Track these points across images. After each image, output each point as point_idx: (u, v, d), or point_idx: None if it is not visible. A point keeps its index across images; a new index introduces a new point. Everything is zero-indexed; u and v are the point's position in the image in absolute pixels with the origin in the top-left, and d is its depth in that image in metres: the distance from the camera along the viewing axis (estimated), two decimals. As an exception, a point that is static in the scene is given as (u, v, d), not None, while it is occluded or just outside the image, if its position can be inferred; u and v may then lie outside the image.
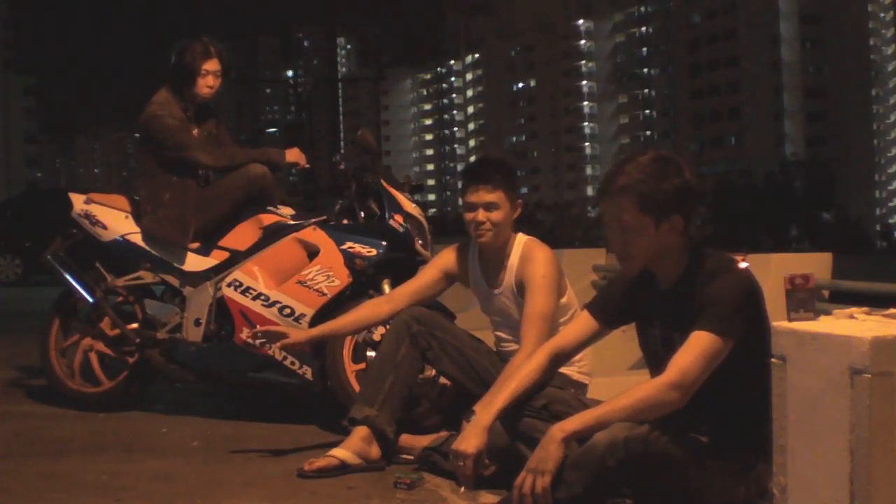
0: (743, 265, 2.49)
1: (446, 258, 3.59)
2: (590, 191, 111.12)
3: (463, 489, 2.81)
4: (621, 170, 2.45)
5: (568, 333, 2.76)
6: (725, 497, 2.44)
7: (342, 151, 4.65)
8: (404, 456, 3.40)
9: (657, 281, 2.54)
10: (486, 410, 2.74)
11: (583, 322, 2.73)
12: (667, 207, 2.41)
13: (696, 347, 2.36)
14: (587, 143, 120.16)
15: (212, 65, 4.37)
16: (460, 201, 3.47)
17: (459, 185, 3.50)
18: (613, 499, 2.50)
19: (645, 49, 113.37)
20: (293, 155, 4.46)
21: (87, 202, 4.49)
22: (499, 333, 3.53)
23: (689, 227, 2.47)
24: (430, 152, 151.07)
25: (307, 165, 4.53)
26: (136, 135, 4.61)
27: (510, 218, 3.38)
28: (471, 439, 2.68)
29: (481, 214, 3.33)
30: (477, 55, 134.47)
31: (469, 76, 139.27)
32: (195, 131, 4.41)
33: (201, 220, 4.30)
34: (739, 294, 2.39)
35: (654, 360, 2.59)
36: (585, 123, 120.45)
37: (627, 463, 2.33)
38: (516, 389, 2.72)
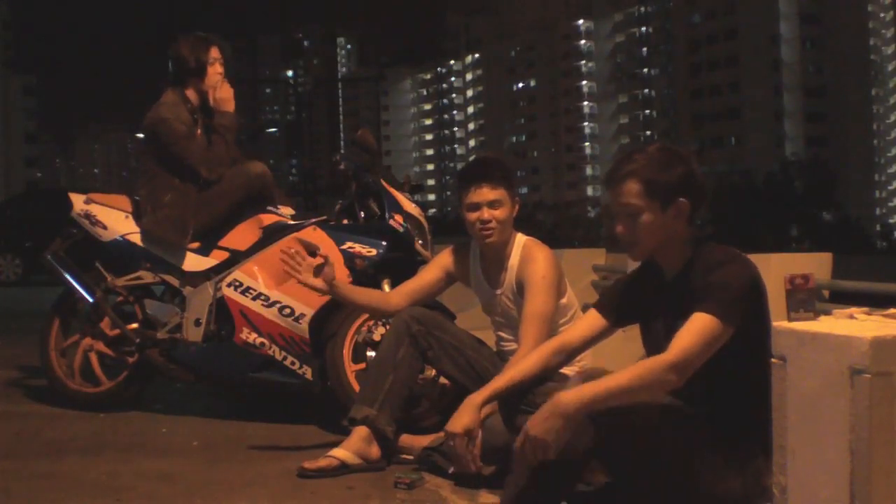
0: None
1: (447, 258, 3.59)
2: (590, 191, 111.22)
3: (454, 469, 2.77)
4: (629, 158, 2.47)
5: (575, 330, 2.75)
6: (720, 487, 2.44)
7: (342, 151, 4.64)
8: (404, 456, 3.40)
9: (662, 273, 2.55)
10: (480, 391, 2.73)
11: (591, 320, 2.72)
12: (673, 191, 2.42)
13: (697, 329, 2.35)
14: (587, 143, 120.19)
15: (215, 52, 4.42)
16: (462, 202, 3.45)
17: (458, 187, 3.48)
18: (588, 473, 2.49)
19: (645, 49, 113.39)
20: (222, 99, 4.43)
21: (87, 202, 4.49)
22: (500, 333, 3.52)
23: (694, 213, 2.47)
24: (430, 152, 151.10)
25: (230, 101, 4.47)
26: (140, 135, 4.61)
27: (512, 216, 3.39)
28: (461, 418, 2.67)
29: (486, 213, 3.33)
30: (477, 55, 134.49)
31: (469, 76, 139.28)
32: (198, 132, 4.40)
33: (201, 220, 4.30)
34: (743, 282, 2.39)
35: (657, 354, 2.59)
36: (585, 123, 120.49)
37: (598, 420, 2.31)
38: (515, 376, 2.71)
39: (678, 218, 2.45)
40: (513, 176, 3.47)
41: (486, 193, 3.34)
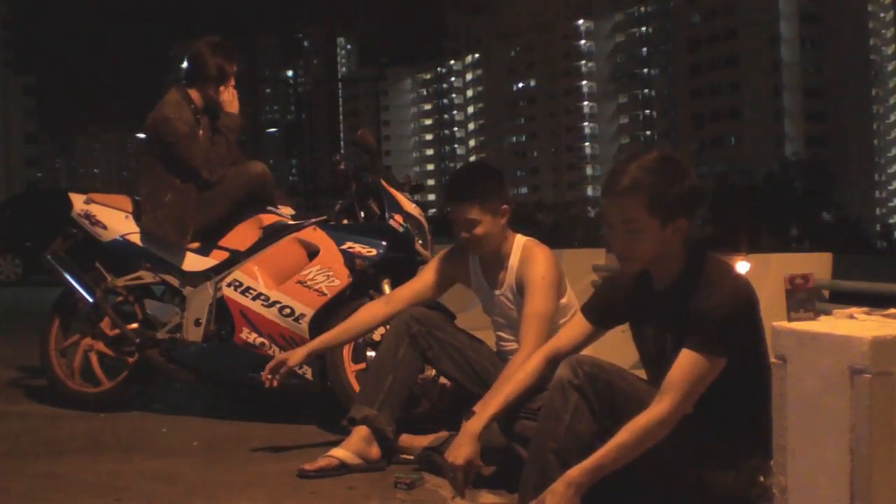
0: (743, 265, 2.49)
1: (446, 259, 3.58)
2: (590, 191, 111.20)
3: (454, 496, 2.81)
4: (626, 169, 2.42)
5: (563, 336, 2.75)
6: (718, 487, 2.44)
7: (342, 151, 4.65)
8: (404, 456, 3.39)
9: (652, 281, 2.54)
10: (477, 418, 2.75)
11: (577, 324, 2.73)
12: (674, 209, 2.40)
13: (687, 371, 2.34)
14: (587, 143, 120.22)
15: (235, 66, 4.43)
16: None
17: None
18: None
19: (645, 49, 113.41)
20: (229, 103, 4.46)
21: (87, 202, 4.48)
22: (500, 334, 3.52)
23: (690, 229, 2.47)
24: (430, 152, 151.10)
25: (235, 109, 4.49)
26: (141, 135, 4.61)
27: (495, 227, 3.34)
28: (461, 449, 2.68)
29: (462, 233, 3.34)
30: (477, 55, 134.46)
31: (469, 76, 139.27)
32: (200, 132, 4.40)
33: (201, 220, 4.30)
34: (731, 313, 2.37)
35: (648, 358, 2.61)
36: (585, 123, 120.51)
37: (587, 387, 2.39)
38: (509, 395, 2.72)
39: (675, 234, 2.43)
40: (491, 187, 3.35)
41: (457, 213, 3.34)
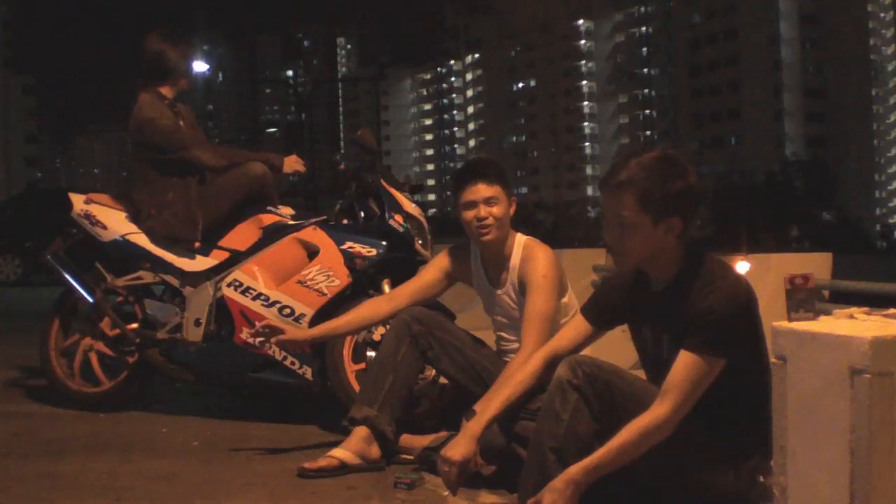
0: (743, 265, 2.48)
1: (447, 258, 3.58)
2: (590, 191, 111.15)
3: (447, 493, 2.81)
4: (626, 164, 2.44)
5: (563, 337, 2.76)
6: (718, 486, 2.44)
7: (342, 151, 4.66)
8: (404, 456, 3.40)
9: (650, 282, 2.54)
10: (478, 419, 2.75)
11: (577, 325, 2.74)
12: (667, 208, 2.40)
13: (686, 372, 2.35)
14: (587, 143, 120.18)
15: (192, 49, 4.51)
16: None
17: (453, 189, 3.49)
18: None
19: (645, 49, 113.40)
20: (291, 163, 4.47)
21: (87, 202, 4.48)
22: (501, 334, 3.52)
23: (686, 230, 2.46)
24: (430, 152, 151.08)
25: (304, 170, 4.56)
26: (128, 143, 4.63)
27: (509, 214, 3.38)
28: (459, 447, 2.69)
29: (483, 210, 3.33)
30: (477, 55, 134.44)
31: (469, 76, 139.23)
32: (182, 123, 4.42)
33: (206, 215, 4.30)
34: (730, 314, 2.37)
35: (647, 359, 2.61)
36: (585, 123, 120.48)
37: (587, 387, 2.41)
38: (510, 397, 2.73)
39: (668, 234, 2.43)
40: (507, 175, 3.46)
41: (481, 190, 3.34)
